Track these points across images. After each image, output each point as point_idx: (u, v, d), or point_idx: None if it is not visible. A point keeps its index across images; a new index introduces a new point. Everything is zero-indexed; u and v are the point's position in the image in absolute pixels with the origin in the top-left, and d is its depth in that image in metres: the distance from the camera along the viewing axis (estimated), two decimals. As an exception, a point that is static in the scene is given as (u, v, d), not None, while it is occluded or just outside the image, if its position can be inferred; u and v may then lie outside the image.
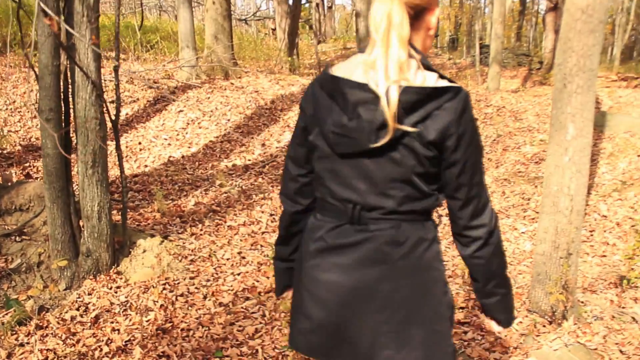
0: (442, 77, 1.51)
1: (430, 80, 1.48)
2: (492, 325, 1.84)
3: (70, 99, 4.16)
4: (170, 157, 7.13)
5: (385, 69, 1.45)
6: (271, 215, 5.82)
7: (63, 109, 4.09)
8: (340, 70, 1.57)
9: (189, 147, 7.47)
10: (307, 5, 26.37)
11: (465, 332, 3.77)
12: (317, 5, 26.04)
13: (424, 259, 1.63)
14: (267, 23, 28.69)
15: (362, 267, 1.61)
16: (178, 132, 7.82)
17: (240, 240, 5.19)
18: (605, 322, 4.00)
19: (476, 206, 1.59)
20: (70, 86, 4.14)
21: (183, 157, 7.18)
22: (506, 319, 1.82)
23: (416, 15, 1.56)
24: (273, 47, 18.99)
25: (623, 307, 4.28)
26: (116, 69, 4.10)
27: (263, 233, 5.42)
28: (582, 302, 4.25)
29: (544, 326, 3.87)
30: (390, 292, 1.60)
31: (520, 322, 3.90)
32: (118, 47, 4.13)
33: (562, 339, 3.73)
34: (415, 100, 1.44)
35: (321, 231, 1.68)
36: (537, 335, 3.76)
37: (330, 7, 29.57)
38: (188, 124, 8.05)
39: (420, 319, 1.63)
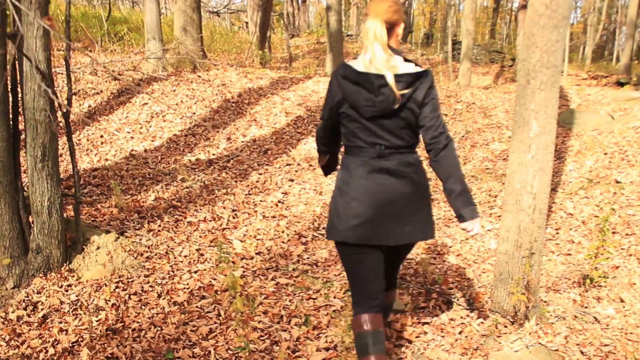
0: (416, 64, 2.66)
1: (411, 68, 2.64)
2: (465, 227, 2.78)
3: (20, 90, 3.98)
4: (132, 150, 6.96)
5: (384, 66, 2.57)
6: (233, 211, 5.69)
7: (11, 100, 3.92)
8: (357, 66, 2.63)
9: (153, 141, 7.30)
10: (280, -2, 26.22)
11: (425, 333, 3.69)
12: (291, -1, 25.90)
13: (421, 172, 2.78)
14: (242, 16, 28.46)
15: (390, 180, 2.69)
16: (142, 125, 7.64)
17: (200, 236, 5.05)
18: (568, 322, 3.95)
19: (437, 129, 2.66)
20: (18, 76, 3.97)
21: (146, 150, 7.01)
22: (470, 212, 2.74)
23: (391, 28, 2.69)
24: (245, 40, 18.79)
25: (586, 307, 4.24)
26: (67, 60, 3.93)
27: (224, 229, 5.29)
28: (545, 302, 4.20)
29: (506, 327, 3.80)
30: (408, 194, 2.71)
31: (482, 323, 3.83)
32: (69, 36, 3.96)
33: (523, 339, 3.66)
34: (409, 82, 2.58)
35: (359, 165, 2.71)
36: (499, 336, 3.69)
37: (304, 1, 29.40)
38: (152, 117, 7.87)
39: (422, 208, 2.80)
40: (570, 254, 5.27)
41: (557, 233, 5.66)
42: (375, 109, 2.61)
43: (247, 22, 25.75)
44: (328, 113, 2.80)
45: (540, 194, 3.85)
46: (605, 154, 7.45)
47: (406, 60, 2.67)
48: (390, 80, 2.55)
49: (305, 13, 29.95)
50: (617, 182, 6.64)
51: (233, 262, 4.27)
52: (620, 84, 15.30)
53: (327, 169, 3.31)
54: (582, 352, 3.58)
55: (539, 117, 3.75)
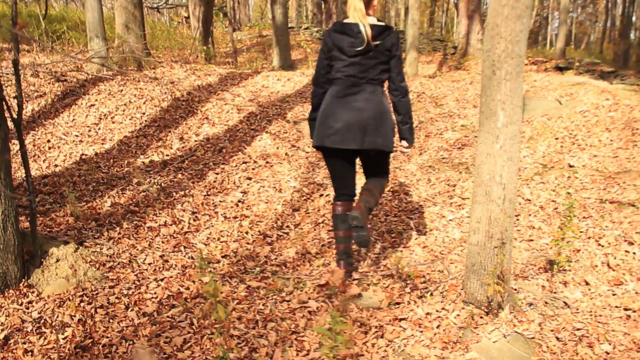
0: (387, 24, 3.94)
1: (382, 24, 3.90)
2: (403, 144, 4.28)
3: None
4: (82, 155, 6.70)
5: (363, 23, 3.83)
6: (193, 213, 5.55)
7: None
8: (344, 22, 3.92)
9: (103, 144, 7.05)
10: (220, -8, 25.81)
11: (404, 329, 3.66)
12: (231, -8, 25.56)
13: (385, 98, 4.01)
14: (180, 11, 27.94)
15: (358, 103, 3.88)
16: (90, 128, 7.38)
17: (162, 242, 4.90)
18: (540, 309, 3.99)
19: (400, 76, 4.01)
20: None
21: (97, 154, 6.76)
22: (410, 140, 4.24)
23: (368, 3, 3.94)
24: (187, 35, 18.44)
25: (554, 292, 4.30)
26: (15, 63, 3.72)
27: (186, 233, 5.15)
28: (516, 290, 4.23)
29: (482, 317, 3.81)
30: (374, 111, 3.89)
31: (458, 315, 3.83)
32: (17, 39, 3.76)
33: (500, 329, 3.68)
34: (377, 33, 3.82)
35: (339, 90, 3.95)
36: (475, 328, 3.70)
37: (244, -6, 29.10)
38: (100, 118, 7.60)
39: (383, 124, 3.91)
40: (532, 240, 5.34)
41: (517, 219, 5.73)
42: (355, 49, 3.92)
43: (186, 17, 25.29)
44: (326, 58, 4.06)
45: (509, 184, 3.87)
46: (557, 138, 7.60)
47: (379, 20, 4.05)
48: (363, 28, 3.90)
49: (246, 6, 29.65)
50: (571, 166, 6.78)
51: (212, 270, 4.14)
52: (560, 69, 15.68)
53: (313, 121, 4.25)
54: (557, 338, 3.63)
55: (506, 108, 3.76)
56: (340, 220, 4.27)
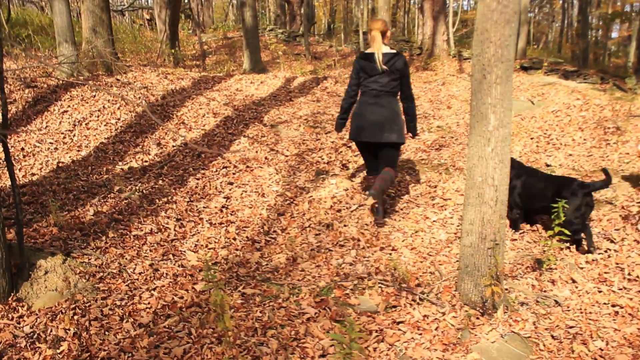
0: (397, 52, 5.55)
1: (392, 51, 5.51)
2: (409, 135, 5.99)
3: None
4: (59, 162, 6.57)
5: (377, 52, 5.46)
6: (178, 220, 5.49)
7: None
8: (367, 53, 5.59)
9: (79, 151, 6.93)
10: (184, -6, 25.56)
11: (404, 332, 3.68)
12: (195, -6, 25.36)
13: (397, 105, 5.63)
14: (142, 13, 27.63)
15: (378, 107, 5.52)
16: (64, 135, 7.23)
17: (150, 250, 4.84)
18: (532, 308, 4.06)
19: (408, 89, 5.64)
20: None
21: (74, 162, 6.64)
22: (414, 133, 5.96)
23: (383, 34, 5.55)
24: (152, 38, 18.22)
25: (544, 291, 4.37)
26: (0, 71, 3.62)
27: (172, 241, 5.09)
28: (507, 290, 4.30)
29: (478, 318, 3.86)
30: (389, 113, 5.51)
31: (455, 317, 3.87)
32: (1, 45, 3.67)
33: (497, 330, 3.73)
34: (388, 59, 5.44)
35: (367, 100, 5.60)
36: (473, 328, 3.74)
37: (207, -4, 28.88)
38: (75, 125, 7.46)
39: (395, 125, 5.54)
40: (515, 239, 5.42)
41: (500, 219, 5.80)
42: (372, 70, 5.56)
43: (148, 20, 25.01)
44: (355, 78, 5.73)
45: (501, 186, 3.92)
46: (532, 138, 7.74)
47: (391, 48, 5.62)
48: (378, 56, 5.50)
49: (209, 8, 29.44)
50: (547, 165, 6.90)
51: (217, 281, 4.10)
52: (524, 69, 15.91)
53: (341, 127, 6.14)
54: (552, 337, 3.69)
55: (497, 111, 3.81)
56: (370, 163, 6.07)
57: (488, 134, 3.84)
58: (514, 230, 5.57)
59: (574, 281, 4.54)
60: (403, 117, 5.73)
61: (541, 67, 14.57)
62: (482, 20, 3.79)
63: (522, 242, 5.35)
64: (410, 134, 6.00)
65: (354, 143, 6.62)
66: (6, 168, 3.92)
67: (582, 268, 4.77)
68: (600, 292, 4.37)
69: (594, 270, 4.70)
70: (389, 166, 5.71)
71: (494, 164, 3.88)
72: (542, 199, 5.30)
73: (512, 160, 5.20)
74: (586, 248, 5.05)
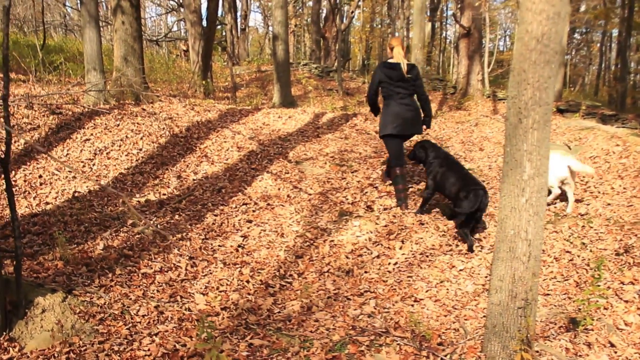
0: (413, 63, 6.96)
1: (411, 63, 6.88)
2: (424, 127, 7.08)
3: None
4: (75, 192, 6.40)
5: (402, 62, 6.73)
6: (190, 258, 5.23)
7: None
8: (392, 62, 6.77)
9: (97, 181, 6.76)
10: (219, 27, 25.80)
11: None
12: (231, 27, 25.57)
13: (417, 105, 6.89)
14: (179, 44, 27.94)
15: (405, 107, 6.74)
16: (84, 164, 7.09)
17: (157, 290, 4.58)
18: (566, 376, 3.68)
19: (424, 90, 6.96)
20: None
21: (90, 192, 6.46)
22: (429, 126, 7.14)
23: (405, 52, 7.03)
24: (185, 69, 18.29)
25: (580, 356, 3.99)
26: (4, 99, 3.44)
27: (183, 281, 4.83)
28: (538, 352, 3.93)
29: (505, 386, 3.50)
30: (413, 113, 6.80)
31: (479, 383, 3.51)
32: (7, 72, 3.49)
33: (526, 401, 3.37)
34: (409, 68, 6.75)
35: (391, 101, 6.77)
36: (499, 398, 3.38)
37: (243, 30, 29.11)
38: (95, 154, 7.32)
39: (419, 120, 6.90)
40: (548, 294, 5.05)
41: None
42: (397, 78, 6.67)
43: (185, 50, 25.22)
44: (376, 84, 6.82)
45: (535, 240, 3.60)
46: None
47: (408, 60, 6.94)
48: (402, 66, 6.67)
49: (245, 41, 29.67)
50: (583, 215, 6.52)
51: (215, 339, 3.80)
52: (560, 111, 15.52)
53: (376, 112, 7.25)
54: (589, 412, 3.31)
55: (532, 159, 3.51)
56: (400, 179, 6.84)
57: (522, 184, 3.54)
58: (419, 213, 6.68)
59: (612, 345, 4.15)
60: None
61: (578, 110, 14.17)
62: (520, 60, 3.51)
63: (556, 298, 4.97)
64: (425, 127, 7.08)
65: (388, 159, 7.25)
66: (8, 198, 3.71)
67: (621, 330, 4.37)
68: (641, 359, 3.98)
69: (635, 334, 4.31)
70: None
71: (527, 216, 3.56)
72: (450, 191, 6.33)
73: (439, 147, 6.91)
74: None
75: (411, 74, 6.71)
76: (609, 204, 6.70)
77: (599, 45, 38.40)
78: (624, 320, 4.49)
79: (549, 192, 6.64)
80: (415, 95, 6.84)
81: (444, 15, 37.78)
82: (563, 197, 6.88)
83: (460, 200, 6.01)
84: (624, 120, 15.23)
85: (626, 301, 4.76)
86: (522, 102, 3.50)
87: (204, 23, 15.82)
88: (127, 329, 3.94)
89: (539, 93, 3.46)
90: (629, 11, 23.97)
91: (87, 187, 6.57)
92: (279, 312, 4.47)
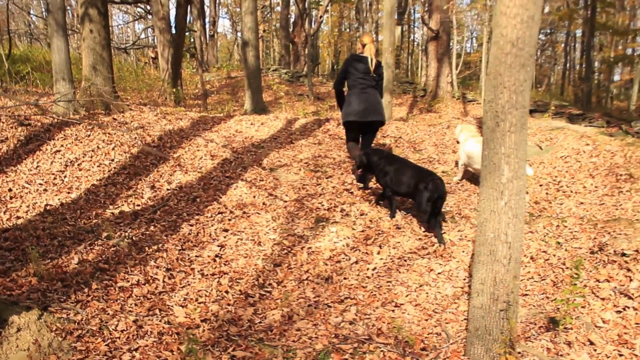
0: (379, 61, 7.66)
1: (379, 61, 7.62)
2: None
3: None
4: (47, 205, 6.28)
5: (370, 57, 7.44)
6: (168, 270, 5.16)
7: None
8: (361, 55, 7.48)
9: (69, 193, 6.64)
10: (187, 33, 25.60)
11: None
12: (200, 34, 25.40)
13: (380, 95, 7.67)
14: (147, 52, 27.69)
15: (367, 96, 7.36)
16: (55, 176, 6.96)
17: (135, 304, 4.50)
18: (549, 377, 3.71)
19: (382, 91, 7.87)
20: None
21: (62, 204, 6.34)
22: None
23: (376, 50, 8.26)
24: (155, 77, 18.14)
25: (561, 355, 4.03)
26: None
27: (161, 293, 4.75)
28: (520, 353, 3.95)
29: (489, 389, 3.51)
30: (374, 102, 7.40)
31: (464, 387, 3.52)
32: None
33: (511, 404, 3.38)
34: (376, 65, 7.49)
35: (355, 91, 7.40)
36: (484, 402, 3.39)
37: (212, 36, 28.96)
38: (67, 165, 7.20)
39: (380, 110, 7.50)
40: (527, 294, 5.09)
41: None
42: (364, 70, 7.36)
43: (153, 58, 24.98)
44: (343, 73, 7.50)
45: (515, 242, 3.62)
46: (541, 185, 7.45)
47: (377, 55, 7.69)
48: (371, 60, 7.39)
49: (214, 48, 29.51)
50: (558, 214, 6.59)
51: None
52: (529, 112, 15.74)
53: (342, 102, 7.67)
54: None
55: (511, 162, 3.54)
56: (353, 147, 7.70)
57: (501, 187, 3.56)
58: (393, 217, 6.68)
59: (592, 343, 4.20)
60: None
61: (546, 110, 14.37)
62: (496, 64, 3.53)
63: (534, 298, 5.01)
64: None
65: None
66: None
67: (599, 328, 4.42)
68: (621, 355, 4.02)
69: (613, 331, 4.36)
70: (373, 141, 7.82)
71: (507, 219, 3.58)
72: (407, 186, 6.45)
73: (381, 150, 7.48)
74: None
75: (377, 72, 7.46)
76: (581, 203, 6.79)
77: (563, 45, 39.06)
78: (601, 318, 4.54)
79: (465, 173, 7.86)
80: (377, 87, 7.53)
81: (412, 18, 38.09)
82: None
83: (421, 191, 6.22)
84: (590, 119, 15.49)
85: (602, 299, 4.82)
86: (499, 106, 3.52)
87: (173, 30, 15.72)
88: (106, 345, 3.86)
89: (515, 96, 3.49)
90: (592, 12, 24.41)
91: (59, 199, 6.45)
92: (260, 323, 4.43)
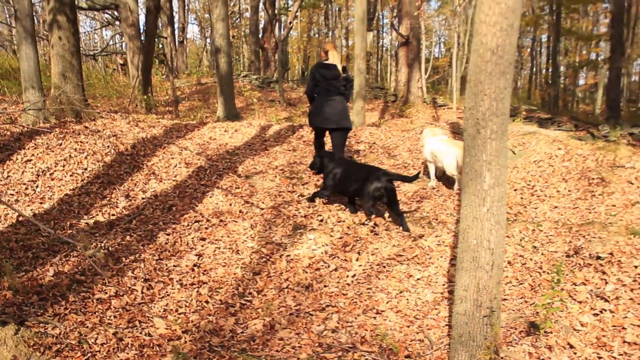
0: (344, 67, 7.95)
1: (344, 66, 7.88)
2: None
3: None
4: (19, 216, 6.15)
5: (338, 64, 7.77)
6: (146, 280, 5.09)
7: None
8: (326, 63, 7.76)
9: (42, 203, 6.52)
10: (156, 40, 25.40)
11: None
12: (168, 40, 25.22)
13: (346, 102, 7.89)
14: (115, 58, 27.39)
15: (333, 103, 7.67)
16: (27, 186, 6.83)
17: (114, 316, 4.43)
18: (532, 382, 3.74)
19: (350, 91, 8.21)
20: None
21: (35, 215, 6.22)
22: (349, 99, 8.36)
23: (340, 57, 8.17)
24: (124, 83, 17.93)
25: (542, 359, 4.06)
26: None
27: (140, 304, 4.69)
28: (503, 359, 3.98)
29: (475, 395, 3.52)
30: (339, 108, 7.70)
31: (450, 394, 3.53)
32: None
33: (497, 409, 3.40)
34: (342, 70, 7.72)
35: (322, 97, 7.72)
36: (470, 408, 3.40)
37: (181, 42, 28.76)
38: (38, 175, 7.06)
39: (346, 115, 7.82)
40: (506, 299, 5.13)
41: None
42: (332, 77, 7.60)
43: (122, 64, 24.70)
44: (313, 82, 7.73)
45: (498, 249, 3.65)
46: (515, 190, 7.53)
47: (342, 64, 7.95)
48: (337, 67, 7.65)
49: (183, 54, 29.31)
50: (533, 218, 6.67)
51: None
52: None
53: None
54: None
55: (492, 168, 3.56)
56: (321, 144, 8.17)
57: (483, 193, 3.58)
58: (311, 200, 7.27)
59: (571, 346, 4.25)
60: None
61: (516, 114, 14.54)
62: (476, 72, 3.56)
63: (513, 302, 5.05)
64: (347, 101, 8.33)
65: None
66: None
67: (578, 331, 4.48)
68: (600, 358, 4.08)
69: (591, 334, 4.42)
70: (343, 147, 8.01)
71: (489, 226, 3.61)
72: (356, 183, 6.79)
73: (334, 153, 7.58)
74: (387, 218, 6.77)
75: (344, 78, 7.78)
76: (556, 207, 6.87)
77: (529, 50, 39.72)
78: (579, 321, 4.60)
79: (451, 179, 8.01)
80: (342, 93, 7.78)
81: (381, 23, 38.31)
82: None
83: (367, 186, 6.61)
84: (559, 123, 15.73)
85: (580, 302, 4.88)
86: (480, 113, 3.55)
87: (143, 37, 15.57)
88: (85, 359, 3.79)
89: (495, 103, 3.52)
90: (557, 18, 24.89)
91: (31, 210, 6.33)
92: (242, 332, 4.39)
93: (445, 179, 8.17)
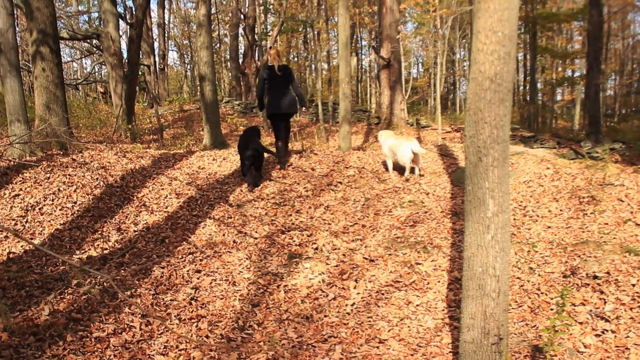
0: (285, 64, 9.70)
1: (284, 65, 9.63)
2: (303, 109, 10.04)
3: None
4: (10, 253, 6.05)
5: (277, 64, 9.47)
6: (144, 317, 5.00)
7: None
8: (269, 65, 9.58)
9: (32, 239, 6.41)
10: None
11: None
12: (149, 68, 25.20)
13: (295, 97, 9.61)
14: (96, 87, 27.29)
15: (283, 94, 9.45)
16: (16, 221, 6.73)
17: (114, 355, 4.34)
18: (541, 409, 3.72)
19: (297, 87, 9.67)
20: None
21: (26, 252, 6.12)
22: (305, 105, 9.92)
23: (279, 57, 9.74)
24: (107, 112, 17.84)
25: (549, 386, 4.05)
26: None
27: (139, 342, 4.60)
28: (510, 386, 3.96)
29: None
30: (289, 98, 9.50)
31: None
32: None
33: None
34: (283, 69, 9.47)
35: (272, 93, 9.48)
36: None
37: (162, 69, 28.74)
38: (27, 210, 6.96)
39: (294, 106, 9.63)
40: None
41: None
42: (275, 77, 9.37)
43: (102, 93, 24.66)
44: (262, 83, 9.63)
45: (503, 276, 3.64)
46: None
47: (283, 63, 9.65)
48: (276, 67, 9.39)
49: (164, 81, 29.28)
50: (528, 239, 6.69)
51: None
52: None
53: (262, 107, 10.19)
54: None
55: (495, 196, 3.57)
56: (281, 148, 9.72)
57: (487, 221, 3.58)
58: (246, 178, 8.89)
59: (576, 370, 4.24)
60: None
61: (501, 134, 14.65)
62: (475, 100, 3.58)
63: (514, 326, 5.04)
64: (304, 109, 9.96)
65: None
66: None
67: (581, 353, 4.48)
68: (606, 382, 4.07)
69: (595, 356, 4.42)
70: (289, 132, 10.08)
71: (494, 253, 3.60)
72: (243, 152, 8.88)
73: (251, 128, 9.98)
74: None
75: (282, 72, 9.36)
76: (549, 227, 6.90)
77: (507, 68, 40.21)
78: (582, 343, 4.60)
79: (403, 169, 9.27)
80: (290, 86, 9.50)
81: (359, 45, 38.58)
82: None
83: (244, 152, 8.89)
84: (542, 140, 15.89)
85: (581, 323, 4.89)
86: (481, 141, 3.56)
87: (125, 65, 15.53)
88: (88, 402, 3.71)
89: (496, 131, 3.54)
90: (533, 36, 25.27)
91: (22, 246, 6.23)
92: (246, 368, 4.33)
93: (399, 168, 9.48)
